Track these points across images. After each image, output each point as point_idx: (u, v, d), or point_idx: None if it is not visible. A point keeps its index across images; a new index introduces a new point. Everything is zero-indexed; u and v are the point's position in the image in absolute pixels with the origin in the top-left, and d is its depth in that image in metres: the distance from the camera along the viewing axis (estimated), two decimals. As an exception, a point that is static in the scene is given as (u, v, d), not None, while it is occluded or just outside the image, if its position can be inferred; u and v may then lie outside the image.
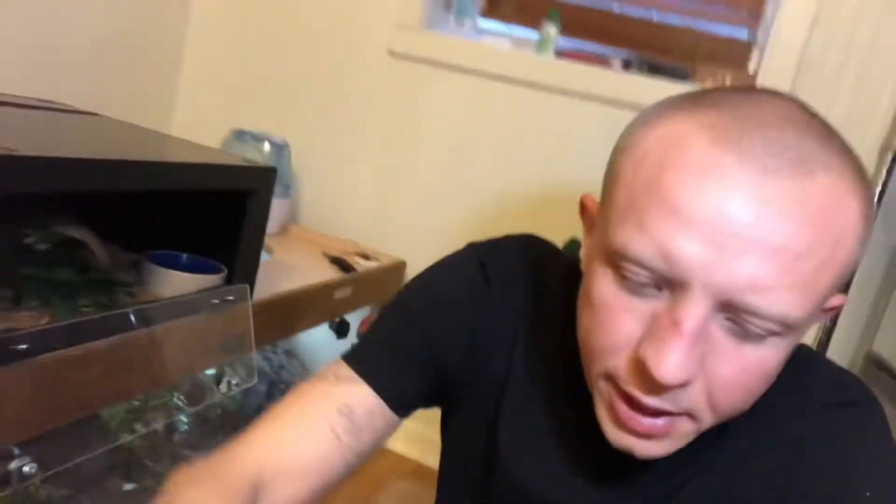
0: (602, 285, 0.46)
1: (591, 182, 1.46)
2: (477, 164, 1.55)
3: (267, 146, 1.54)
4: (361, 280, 1.36)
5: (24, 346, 0.73)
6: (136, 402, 1.04)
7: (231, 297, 1.02)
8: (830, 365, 0.56)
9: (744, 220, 0.39)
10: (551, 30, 1.48)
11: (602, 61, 1.49)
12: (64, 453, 0.82)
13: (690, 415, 0.45)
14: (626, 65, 1.47)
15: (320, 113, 1.66)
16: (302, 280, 1.23)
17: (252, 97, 1.72)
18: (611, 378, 0.46)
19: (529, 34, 1.56)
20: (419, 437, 1.63)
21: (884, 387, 1.07)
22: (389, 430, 0.61)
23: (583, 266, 0.51)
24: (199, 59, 1.75)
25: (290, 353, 1.42)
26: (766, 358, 0.43)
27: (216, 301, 1.00)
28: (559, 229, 1.50)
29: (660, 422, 0.45)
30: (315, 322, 1.27)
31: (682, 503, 0.53)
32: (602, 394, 0.48)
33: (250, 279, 1.08)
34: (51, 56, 1.40)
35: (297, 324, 1.22)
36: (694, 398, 0.44)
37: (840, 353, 1.29)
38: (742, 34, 1.45)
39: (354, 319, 1.44)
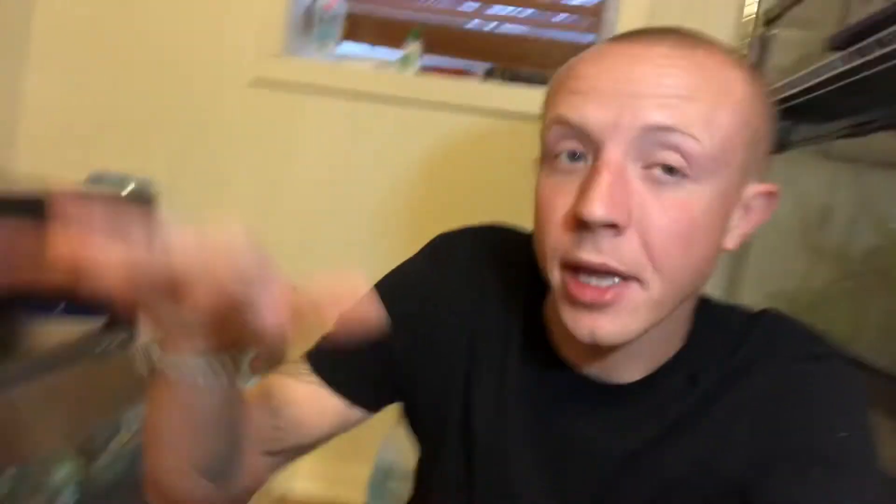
0: (542, 184, 0.52)
1: (470, 184, 1.51)
2: (356, 183, 1.55)
3: (130, 187, 1.46)
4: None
5: None
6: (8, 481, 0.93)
7: (119, 341, 0.95)
8: (798, 324, 0.58)
9: (636, 77, 0.47)
10: (413, 48, 1.52)
11: (464, 74, 1.55)
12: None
13: (637, 279, 0.48)
14: (488, 75, 1.54)
15: (186, 148, 1.60)
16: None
17: (107, 137, 1.62)
18: (564, 264, 0.50)
19: (392, 55, 1.60)
20: (321, 473, 1.58)
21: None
22: (343, 418, 0.61)
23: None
24: (41, 99, 1.63)
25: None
26: (687, 203, 0.47)
27: (100, 348, 0.93)
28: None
29: (608, 287, 0.48)
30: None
31: (662, 468, 0.54)
32: (559, 286, 0.51)
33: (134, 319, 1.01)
34: None
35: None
36: (633, 252, 0.47)
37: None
38: (587, 38, 1.57)
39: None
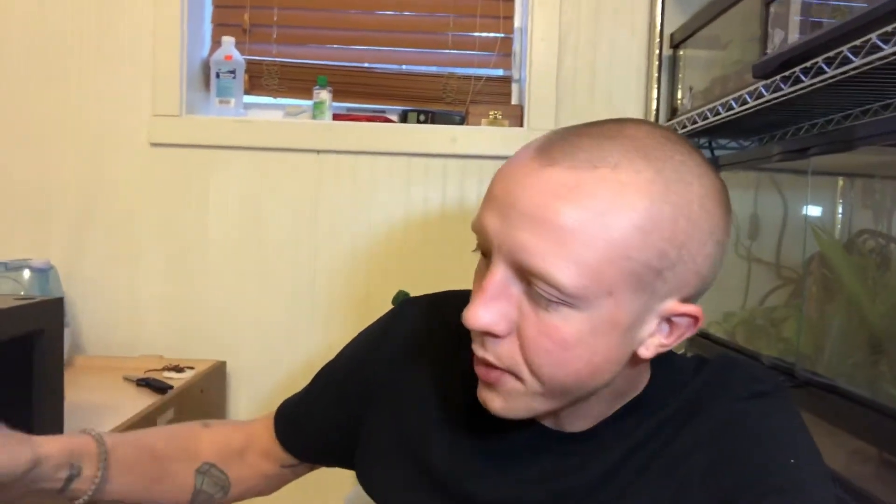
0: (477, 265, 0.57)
1: (393, 229, 1.46)
2: (276, 241, 1.47)
3: (27, 274, 1.31)
4: (181, 396, 1.20)
5: None
6: None
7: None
8: (745, 363, 0.61)
9: (521, 198, 0.49)
10: (324, 94, 1.46)
11: (380, 118, 1.50)
12: None
13: (514, 373, 0.52)
14: (404, 118, 1.50)
15: (85, 223, 1.46)
16: (114, 417, 1.06)
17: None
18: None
19: (300, 104, 1.53)
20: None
21: (707, 350, 1.18)
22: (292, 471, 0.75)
23: None
24: None
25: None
26: (559, 326, 0.49)
27: (18, 477, 0.80)
28: (379, 284, 1.46)
29: (491, 373, 0.53)
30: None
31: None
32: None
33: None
34: None
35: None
36: (509, 354, 0.52)
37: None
38: (499, 73, 1.56)
39: (184, 444, 1.26)
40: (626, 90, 1.46)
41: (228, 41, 1.46)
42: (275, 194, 1.47)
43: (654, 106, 1.42)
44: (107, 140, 1.45)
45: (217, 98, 1.47)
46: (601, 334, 0.50)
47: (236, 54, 1.46)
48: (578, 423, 0.59)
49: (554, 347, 0.50)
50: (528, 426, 0.60)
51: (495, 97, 1.55)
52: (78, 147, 1.45)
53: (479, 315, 0.51)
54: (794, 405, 0.59)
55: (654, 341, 0.53)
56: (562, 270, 0.47)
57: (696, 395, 0.58)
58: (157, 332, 1.46)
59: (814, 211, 1.01)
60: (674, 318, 0.53)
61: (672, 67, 1.42)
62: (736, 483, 0.53)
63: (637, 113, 1.46)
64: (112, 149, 1.45)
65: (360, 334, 0.74)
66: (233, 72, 1.46)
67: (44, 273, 1.33)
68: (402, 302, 0.73)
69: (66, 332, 1.36)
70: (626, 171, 0.49)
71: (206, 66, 1.52)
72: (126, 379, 1.27)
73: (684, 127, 1.24)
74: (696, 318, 0.53)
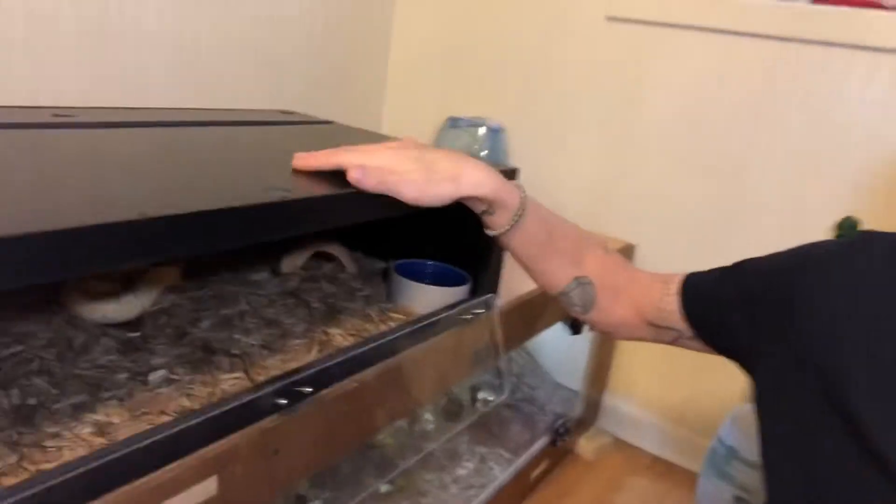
0: None
1: (867, 145, 1.26)
2: (711, 131, 1.39)
3: (482, 130, 1.49)
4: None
5: (309, 388, 0.73)
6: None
7: (481, 310, 0.99)
8: None
9: None
10: (806, -28, 1.26)
11: (873, 3, 1.25)
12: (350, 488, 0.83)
13: None
14: (906, 4, 1.22)
15: (534, 92, 1.57)
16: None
17: (462, 83, 1.67)
18: None
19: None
20: (657, 429, 1.55)
21: None
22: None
23: None
24: (405, 50, 1.73)
25: (529, 354, 1.38)
26: None
27: (468, 316, 0.97)
28: (828, 201, 1.30)
29: None
30: (551, 321, 1.22)
31: None
32: None
33: (493, 288, 1.04)
34: (266, 61, 1.43)
35: (536, 326, 1.17)
36: None
37: None
38: None
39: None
40: None
41: None
42: (720, 82, 1.36)
43: None
44: (568, 12, 1.50)
45: (682, -29, 1.38)
46: None
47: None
48: None
49: None
50: None
51: None
52: (539, 18, 1.53)
53: None
54: None
55: None
56: None
57: None
58: (580, 204, 1.54)
59: None
60: None
61: None
62: None
63: None
64: (570, 21, 1.50)
65: (801, 252, 0.67)
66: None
67: (496, 133, 1.49)
68: (865, 236, 0.64)
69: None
70: None
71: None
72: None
73: None
74: None
